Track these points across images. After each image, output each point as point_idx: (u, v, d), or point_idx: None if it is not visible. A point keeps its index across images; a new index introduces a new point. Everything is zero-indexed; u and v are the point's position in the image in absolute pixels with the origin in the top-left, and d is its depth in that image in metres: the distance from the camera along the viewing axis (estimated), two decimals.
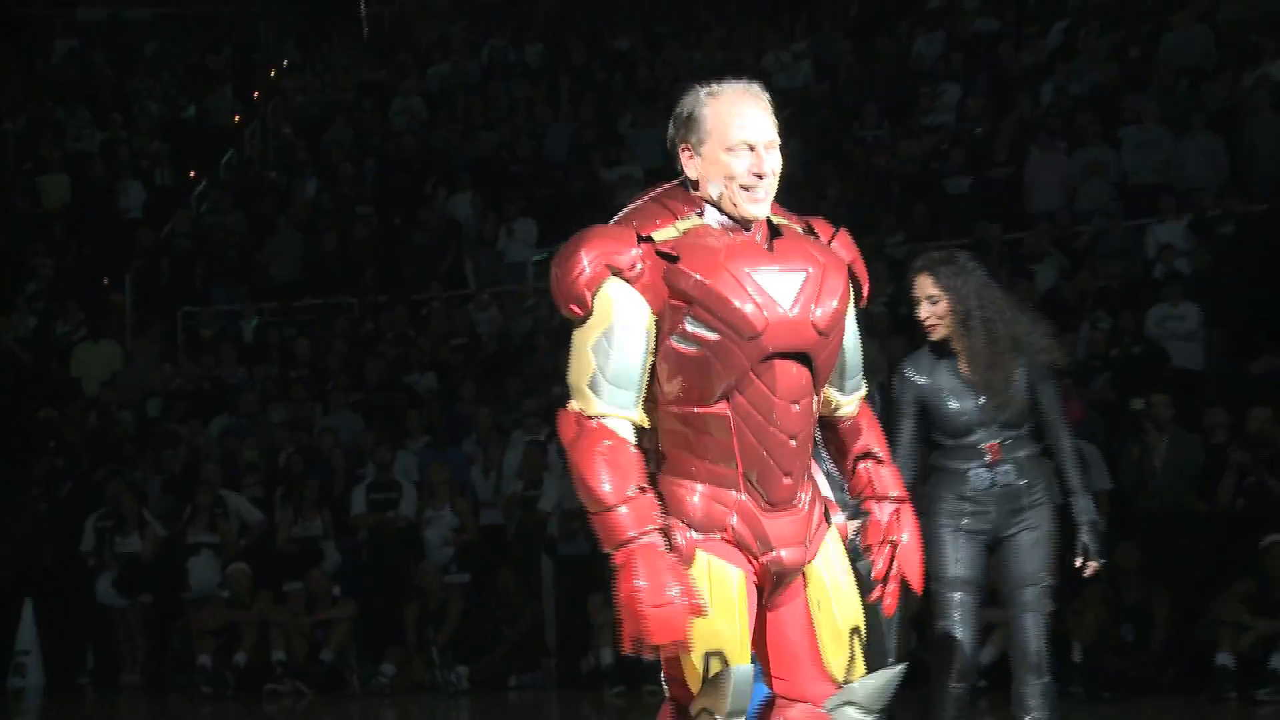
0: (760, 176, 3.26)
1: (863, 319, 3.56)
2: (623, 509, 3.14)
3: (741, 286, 3.18)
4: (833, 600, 3.39)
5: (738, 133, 3.26)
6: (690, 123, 3.30)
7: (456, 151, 16.81)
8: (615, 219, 3.30)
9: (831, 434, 3.67)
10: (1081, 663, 8.89)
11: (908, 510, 3.64)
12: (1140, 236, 12.08)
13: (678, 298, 3.19)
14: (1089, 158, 12.88)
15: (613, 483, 3.15)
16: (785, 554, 3.31)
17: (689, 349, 3.19)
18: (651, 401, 3.26)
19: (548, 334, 13.17)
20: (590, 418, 3.21)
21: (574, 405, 3.24)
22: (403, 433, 12.32)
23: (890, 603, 3.59)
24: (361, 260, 15.59)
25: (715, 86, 3.32)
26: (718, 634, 3.22)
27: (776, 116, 3.34)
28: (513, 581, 10.99)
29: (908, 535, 3.60)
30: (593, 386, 3.20)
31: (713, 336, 3.17)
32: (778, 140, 3.31)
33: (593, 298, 3.18)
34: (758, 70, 16.31)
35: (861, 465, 3.62)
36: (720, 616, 3.22)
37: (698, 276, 3.17)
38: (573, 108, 16.99)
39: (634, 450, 3.22)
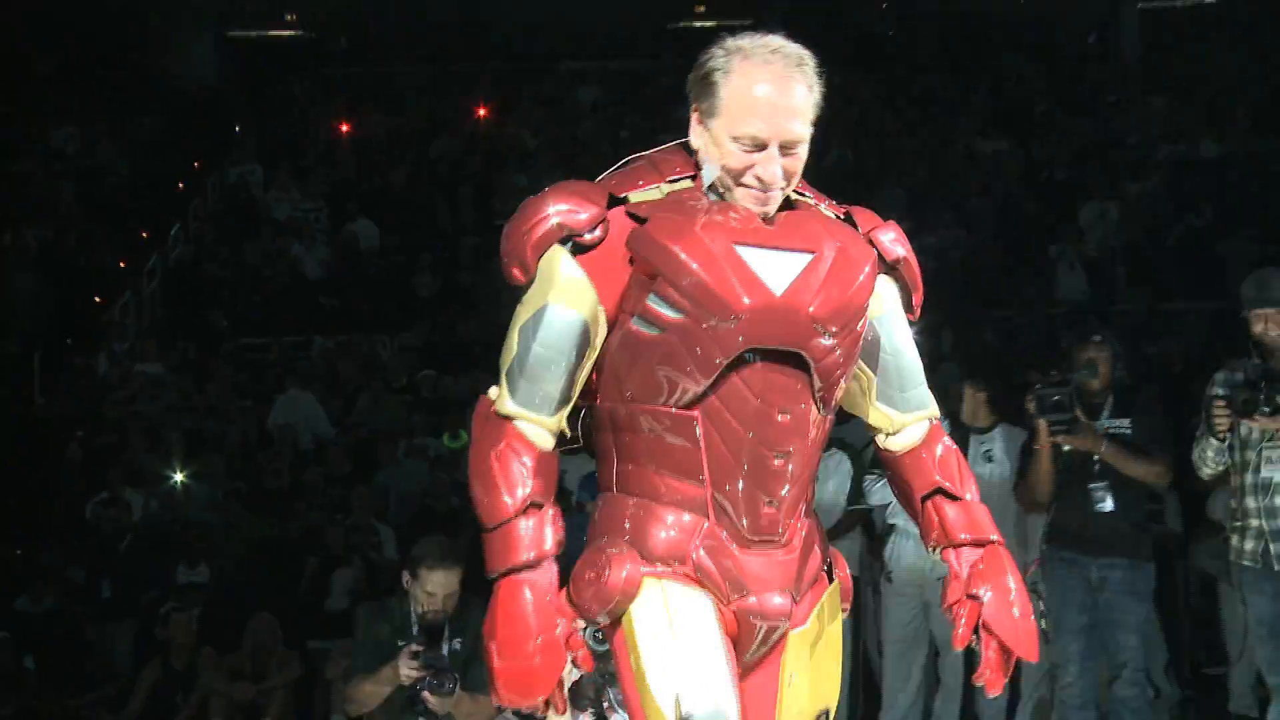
0: (762, 182, 2.61)
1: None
2: (502, 530, 2.57)
3: (715, 259, 2.56)
4: (809, 677, 2.74)
5: (748, 124, 2.58)
6: (704, 85, 2.64)
7: None
8: (601, 178, 2.72)
9: (894, 471, 2.93)
10: None
11: (996, 555, 2.83)
12: None
13: (643, 269, 2.60)
14: None
15: (496, 497, 2.57)
16: (766, 602, 2.66)
17: (649, 332, 2.59)
18: (609, 400, 2.67)
19: None
20: (501, 416, 2.63)
21: (492, 393, 2.67)
22: None
23: (994, 678, 2.77)
24: None
25: (745, 43, 2.62)
26: (684, 669, 2.56)
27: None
28: None
29: (993, 590, 2.77)
30: (509, 377, 2.63)
31: (676, 316, 2.56)
32: (804, 136, 2.62)
33: (536, 261, 2.62)
34: None
35: (929, 504, 2.88)
36: (687, 648, 2.58)
37: (663, 241, 2.57)
38: None
39: (535, 458, 2.61)
